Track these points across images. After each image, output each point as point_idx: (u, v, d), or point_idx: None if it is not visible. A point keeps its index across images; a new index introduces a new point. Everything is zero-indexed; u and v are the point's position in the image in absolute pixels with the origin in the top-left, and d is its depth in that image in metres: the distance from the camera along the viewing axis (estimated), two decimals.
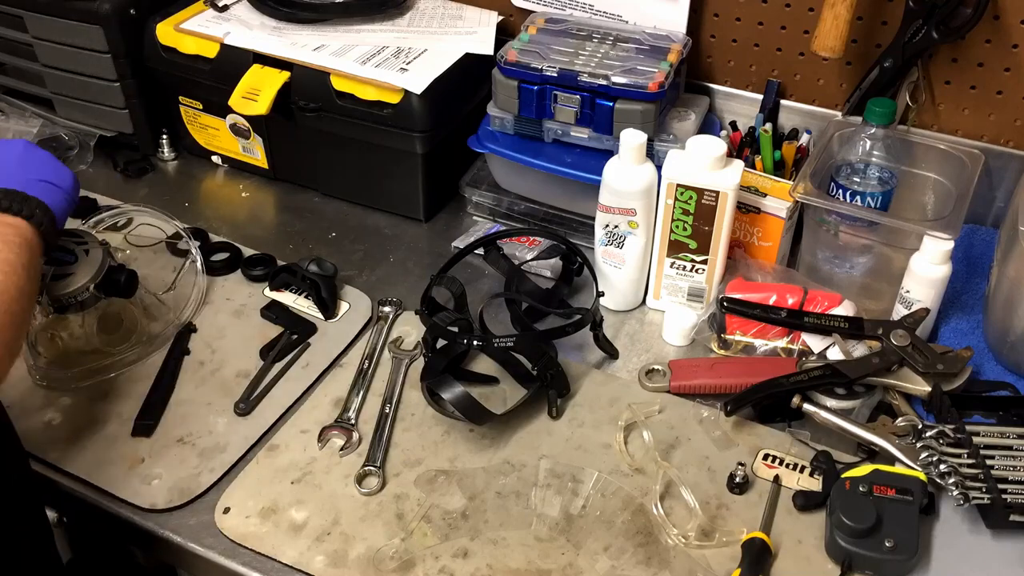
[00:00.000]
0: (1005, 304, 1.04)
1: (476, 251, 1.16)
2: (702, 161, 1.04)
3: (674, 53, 1.19)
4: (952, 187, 1.10)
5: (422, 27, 1.32)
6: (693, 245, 1.09)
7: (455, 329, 1.02)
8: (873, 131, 1.12)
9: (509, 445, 0.98)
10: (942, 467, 0.89)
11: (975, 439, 0.91)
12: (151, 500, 0.91)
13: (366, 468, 0.94)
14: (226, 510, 0.90)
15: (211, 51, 1.28)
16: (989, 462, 0.89)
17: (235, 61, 1.26)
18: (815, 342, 1.05)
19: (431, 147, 1.23)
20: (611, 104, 1.13)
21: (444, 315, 1.05)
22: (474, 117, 1.26)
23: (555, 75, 1.14)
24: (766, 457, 0.96)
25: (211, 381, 1.04)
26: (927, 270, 1.02)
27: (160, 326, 1.09)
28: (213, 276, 1.18)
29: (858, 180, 1.13)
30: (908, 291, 1.04)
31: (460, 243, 1.24)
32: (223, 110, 1.31)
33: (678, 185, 1.06)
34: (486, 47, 1.28)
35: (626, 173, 1.06)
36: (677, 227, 1.09)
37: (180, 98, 1.36)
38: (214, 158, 1.41)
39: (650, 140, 1.13)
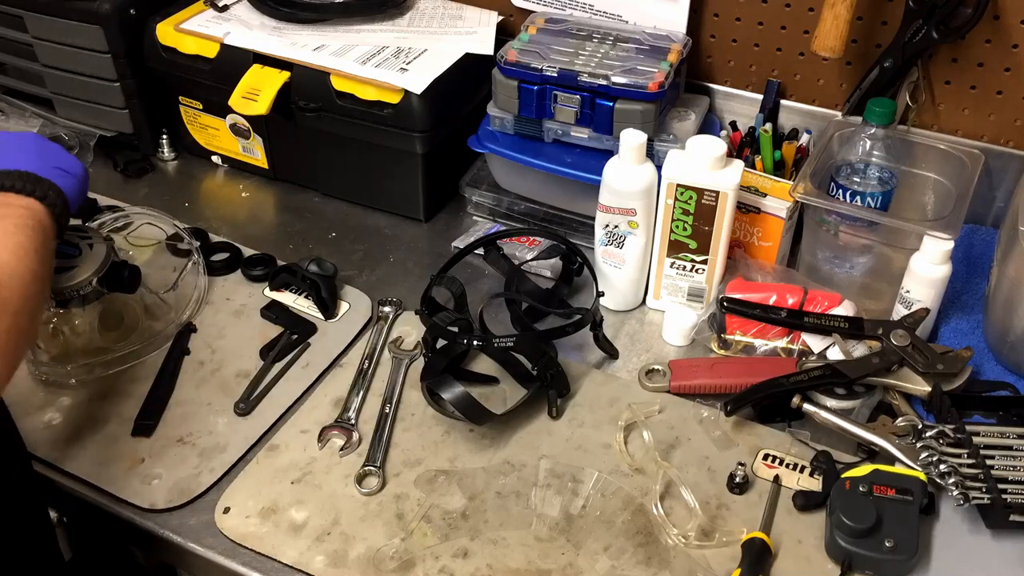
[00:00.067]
0: (1005, 304, 1.04)
1: (476, 251, 1.16)
2: (702, 161, 1.04)
3: (674, 53, 1.19)
4: (952, 187, 1.10)
5: (422, 27, 1.32)
6: (693, 245, 1.09)
7: (455, 329, 1.02)
8: (873, 131, 1.12)
9: (509, 445, 0.98)
10: (942, 467, 0.89)
11: (975, 439, 0.91)
12: (151, 500, 0.91)
13: (366, 468, 0.94)
14: (226, 510, 0.90)
15: (211, 51, 1.28)
16: (989, 462, 0.89)
17: (235, 61, 1.26)
18: (815, 342, 1.05)
19: (431, 147, 1.23)
20: (611, 104, 1.13)
21: (444, 315, 1.05)
22: (474, 117, 1.26)
23: (555, 75, 1.15)
24: (766, 457, 0.96)
25: (211, 381, 1.04)
26: (927, 270, 1.02)
27: (161, 325, 1.09)
28: (213, 276, 1.18)
29: (858, 180, 1.13)
30: (908, 291, 1.04)
31: (460, 243, 1.24)
32: (223, 110, 1.31)
33: (678, 185, 1.06)
34: (486, 47, 1.28)
35: (626, 173, 1.06)
36: (677, 227, 1.09)
37: (180, 98, 1.36)
38: (214, 158, 1.41)
39: (650, 140, 1.13)
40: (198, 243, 1.17)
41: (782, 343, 1.07)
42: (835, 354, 1.03)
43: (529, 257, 1.19)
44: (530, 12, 1.31)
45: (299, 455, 0.96)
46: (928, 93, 1.21)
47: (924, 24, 1.13)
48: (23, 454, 0.87)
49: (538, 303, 1.13)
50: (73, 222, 1.04)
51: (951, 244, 1.00)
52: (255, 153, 1.36)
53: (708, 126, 1.29)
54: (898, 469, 0.91)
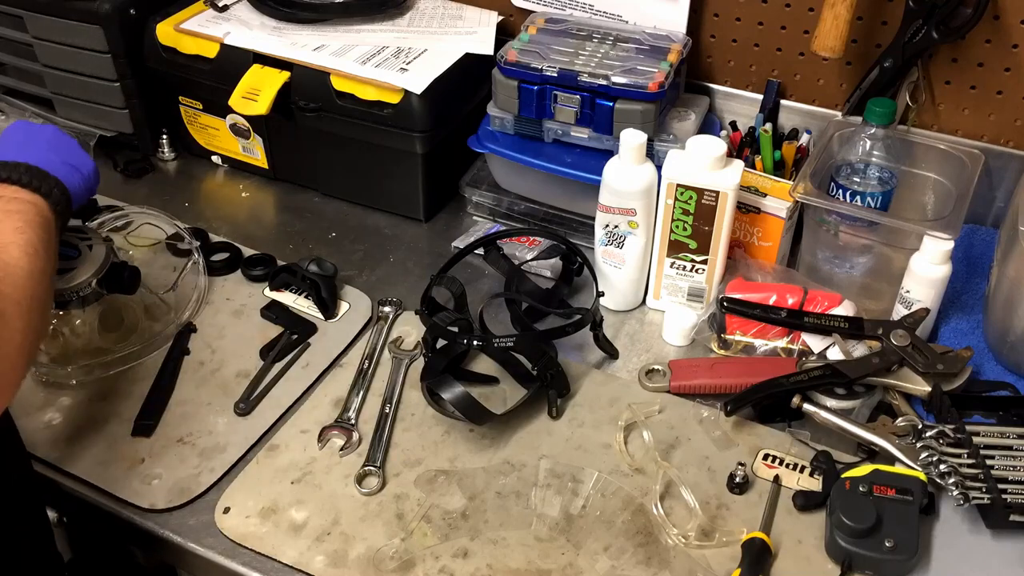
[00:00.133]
0: (1005, 304, 1.04)
1: (476, 251, 1.16)
2: (702, 161, 1.04)
3: (674, 53, 1.19)
4: (952, 187, 1.10)
5: (422, 27, 1.32)
6: (693, 245, 1.09)
7: (455, 329, 1.02)
8: (873, 131, 1.12)
9: (509, 445, 0.98)
10: (942, 467, 0.89)
11: (975, 439, 0.91)
12: (151, 500, 0.91)
13: (366, 468, 0.94)
14: (226, 510, 0.90)
15: (211, 51, 1.28)
16: (989, 462, 0.89)
17: (235, 61, 1.26)
18: (815, 342, 1.05)
19: (431, 147, 1.23)
20: (611, 104, 1.13)
21: (444, 315, 1.05)
22: (474, 117, 1.26)
23: (555, 75, 1.14)
24: (766, 457, 0.96)
25: (211, 381, 1.04)
26: (927, 270, 1.02)
27: (161, 326, 1.09)
28: (213, 276, 1.18)
29: (858, 180, 1.13)
30: (908, 291, 1.04)
31: (460, 243, 1.24)
32: (223, 110, 1.31)
33: (678, 185, 1.06)
34: (486, 47, 1.28)
35: (626, 173, 1.06)
36: (677, 227, 1.09)
37: (180, 98, 1.36)
38: (214, 158, 1.41)
39: (650, 140, 1.13)
40: (198, 243, 1.17)
41: (782, 343, 1.07)
42: (835, 354, 1.03)
43: (529, 257, 1.19)
44: (530, 12, 1.31)
45: (299, 455, 0.96)
46: (928, 93, 1.21)
47: (924, 24, 1.13)
48: (23, 454, 0.87)
49: (538, 303, 1.13)
50: (73, 222, 1.04)
51: (951, 244, 1.00)
52: (255, 153, 1.36)
53: (708, 126, 1.29)
54: (898, 469, 0.91)
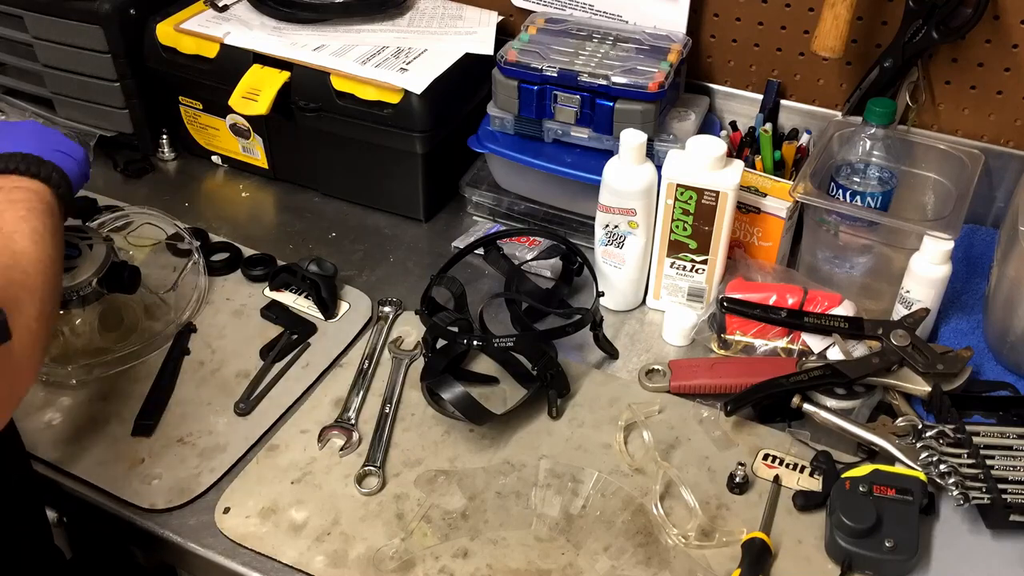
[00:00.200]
0: (1005, 304, 1.04)
1: (476, 251, 1.16)
2: (702, 161, 1.04)
3: (674, 53, 1.19)
4: (952, 187, 1.10)
5: (422, 27, 1.32)
6: (693, 245, 1.09)
7: (455, 329, 1.02)
8: (873, 131, 1.12)
9: (509, 445, 0.98)
10: (942, 467, 0.89)
11: (975, 439, 0.91)
12: (151, 500, 0.91)
13: (366, 468, 0.94)
14: (226, 510, 0.90)
15: (211, 51, 1.28)
16: (989, 462, 0.89)
17: (235, 61, 1.26)
18: (815, 342, 1.05)
19: (431, 147, 1.23)
20: (611, 104, 1.13)
21: (444, 315, 1.05)
22: (474, 117, 1.26)
23: (555, 75, 1.14)
24: (766, 457, 0.96)
25: (211, 381, 1.04)
26: (927, 270, 1.02)
27: (161, 325, 1.09)
28: (213, 276, 1.18)
29: (858, 180, 1.13)
30: (908, 291, 1.04)
31: (460, 243, 1.24)
32: (223, 110, 1.31)
33: (678, 185, 1.06)
34: (486, 47, 1.28)
35: (626, 173, 1.06)
36: (677, 227, 1.09)
37: (180, 98, 1.36)
38: (214, 158, 1.41)
39: (650, 140, 1.13)
40: (198, 243, 1.17)
41: (782, 343, 1.07)
42: (835, 354, 1.03)
43: (529, 257, 1.19)
44: (530, 12, 1.31)
45: (299, 455, 0.96)
46: (928, 93, 1.21)
47: (924, 24, 1.13)
48: (23, 454, 0.87)
49: (538, 303, 1.13)
50: (73, 222, 1.05)
51: (951, 244, 1.00)
52: (255, 153, 1.36)
53: (708, 126, 1.29)
54: (898, 469, 0.91)
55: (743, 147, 1.25)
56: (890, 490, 0.87)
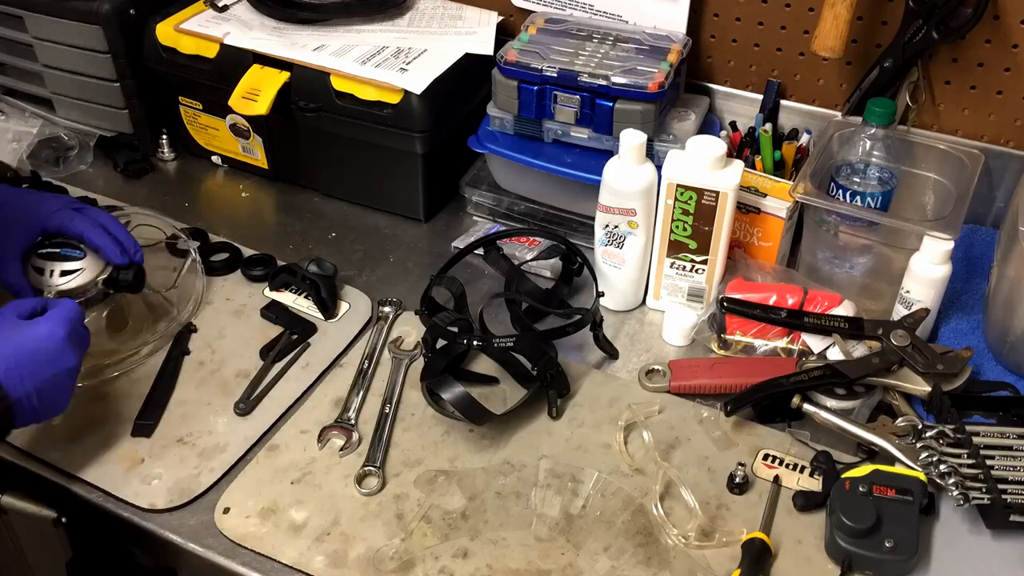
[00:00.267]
0: (1005, 304, 1.03)
1: (476, 251, 1.16)
2: (702, 161, 1.04)
3: (674, 53, 1.19)
4: (952, 187, 1.10)
5: (422, 27, 1.32)
6: (693, 245, 1.09)
7: (455, 329, 1.02)
8: (873, 131, 1.12)
9: (509, 445, 0.98)
10: (942, 467, 0.89)
11: (975, 439, 0.91)
12: (151, 500, 0.91)
13: (366, 468, 0.94)
14: (226, 510, 0.90)
15: (211, 51, 1.28)
16: (989, 462, 0.89)
17: (235, 61, 1.26)
18: (815, 342, 1.05)
19: (431, 147, 1.23)
20: (611, 104, 1.13)
21: (444, 315, 1.05)
22: (474, 117, 1.26)
23: (555, 75, 1.14)
24: (766, 457, 0.96)
25: (211, 381, 1.04)
26: (927, 270, 1.02)
27: (163, 325, 1.09)
28: (213, 276, 1.18)
29: (858, 180, 1.13)
30: (908, 291, 1.04)
31: (460, 243, 1.24)
32: (223, 110, 1.31)
33: (678, 185, 1.06)
34: (486, 47, 1.28)
35: (626, 173, 1.06)
36: (677, 227, 1.09)
37: (180, 98, 1.36)
38: (214, 158, 1.41)
39: (650, 140, 1.13)
40: (196, 243, 1.17)
41: (782, 343, 1.07)
42: (835, 354, 1.03)
43: (529, 257, 1.19)
44: (530, 12, 1.31)
45: (299, 455, 0.96)
46: (928, 93, 1.21)
47: (924, 24, 1.13)
48: None
49: (538, 303, 1.13)
50: None
51: (951, 244, 1.00)
52: (255, 153, 1.36)
53: (708, 126, 1.29)
54: (898, 469, 0.91)
55: (743, 147, 1.25)
56: (890, 490, 0.87)
